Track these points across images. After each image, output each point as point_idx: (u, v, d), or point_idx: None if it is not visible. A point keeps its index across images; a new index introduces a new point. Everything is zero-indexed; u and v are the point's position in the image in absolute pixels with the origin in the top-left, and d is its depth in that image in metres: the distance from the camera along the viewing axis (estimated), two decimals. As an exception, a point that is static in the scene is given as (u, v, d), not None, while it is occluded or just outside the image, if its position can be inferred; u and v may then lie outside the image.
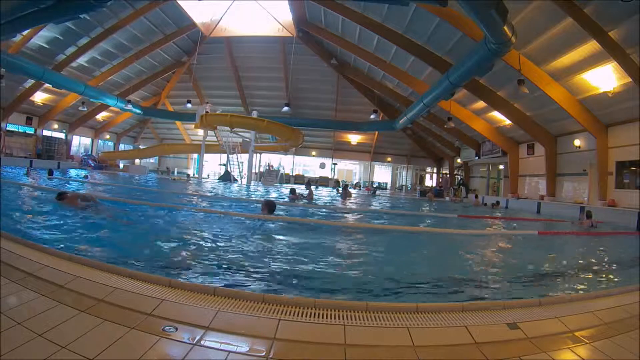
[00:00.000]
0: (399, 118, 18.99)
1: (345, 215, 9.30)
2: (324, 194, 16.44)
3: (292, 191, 11.34)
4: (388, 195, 22.07)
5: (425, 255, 5.01)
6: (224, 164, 23.78)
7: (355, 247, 5.09)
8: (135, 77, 22.38)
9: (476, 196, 17.68)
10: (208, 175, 27.40)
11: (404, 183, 29.54)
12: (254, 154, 23.06)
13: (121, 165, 26.78)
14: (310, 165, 32.14)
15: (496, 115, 15.45)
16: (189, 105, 21.76)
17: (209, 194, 12.87)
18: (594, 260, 5.25)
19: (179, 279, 2.77)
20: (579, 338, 2.04)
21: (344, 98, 23.30)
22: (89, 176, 15.68)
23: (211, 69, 23.13)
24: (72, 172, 18.26)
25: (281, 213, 7.45)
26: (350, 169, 34.46)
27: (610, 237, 7.85)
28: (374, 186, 26.59)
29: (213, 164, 29.78)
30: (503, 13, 7.10)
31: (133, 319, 1.87)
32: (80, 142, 27.47)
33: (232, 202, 10.59)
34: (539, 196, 14.71)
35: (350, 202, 13.39)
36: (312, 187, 14.91)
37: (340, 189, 16.42)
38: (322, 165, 28.44)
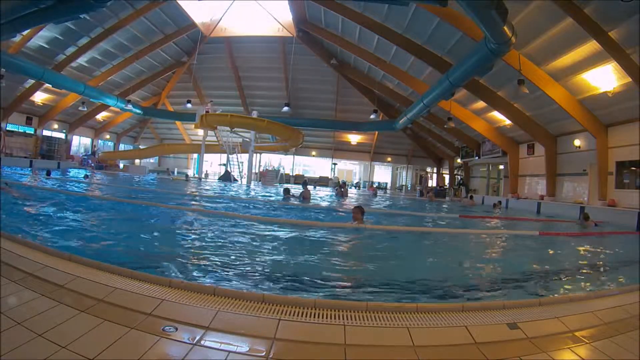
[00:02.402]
0: (399, 118, 18.98)
1: (343, 214, 9.29)
2: (323, 194, 16.41)
3: (286, 191, 11.31)
4: (388, 195, 22.05)
5: (425, 255, 5.01)
6: (224, 164, 23.77)
7: (353, 247, 5.09)
8: (135, 77, 22.36)
9: (471, 197, 17.62)
10: (206, 176, 27.36)
11: (404, 183, 29.52)
12: (254, 154, 23.05)
13: (121, 165, 26.78)
14: (310, 165, 32.15)
15: (496, 115, 15.44)
16: (189, 105, 21.76)
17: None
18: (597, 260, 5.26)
19: (179, 278, 2.77)
20: (579, 338, 2.04)
21: (344, 98, 23.28)
22: (89, 176, 15.69)
23: (211, 69, 23.12)
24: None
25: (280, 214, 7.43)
26: (350, 169, 34.44)
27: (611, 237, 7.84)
28: (376, 186, 26.42)
29: (214, 164, 29.75)
30: (503, 13, 7.09)
31: (133, 319, 1.87)
32: (80, 142, 27.49)
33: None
34: (539, 196, 14.70)
35: (348, 202, 13.37)
36: (310, 187, 14.87)
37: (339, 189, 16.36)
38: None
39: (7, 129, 19.95)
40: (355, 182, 31.88)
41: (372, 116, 20.11)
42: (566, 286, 3.78)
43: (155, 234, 5.00)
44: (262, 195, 13.46)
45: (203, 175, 24.33)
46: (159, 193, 12.20)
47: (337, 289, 3.13)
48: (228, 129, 19.36)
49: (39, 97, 19.71)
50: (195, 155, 31.15)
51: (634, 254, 5.58)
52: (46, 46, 16.31)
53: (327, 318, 2.04)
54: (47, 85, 17.17)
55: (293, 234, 5.42)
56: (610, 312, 2.45)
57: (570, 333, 2.09)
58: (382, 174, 32.59)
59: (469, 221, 9.79)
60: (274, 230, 5.59)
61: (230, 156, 22.70)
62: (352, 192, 21.23)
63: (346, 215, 9.15)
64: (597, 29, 8.28)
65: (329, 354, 1.72)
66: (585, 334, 2.09)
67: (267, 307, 2.13)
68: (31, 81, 17.49)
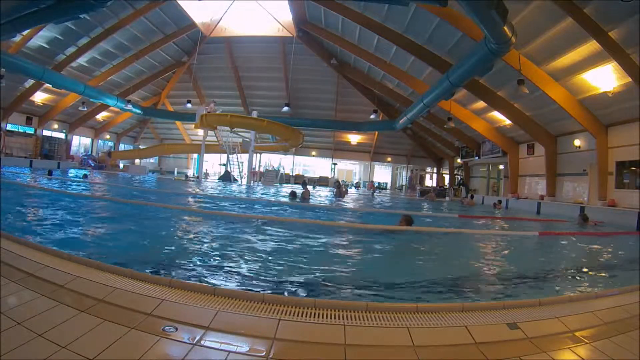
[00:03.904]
0: (399, 118, 18.99)
1: (342, 214, 9.29)
2: (323, 194, 16.40)
3: (293, 194, 11.40)
4: (387, 195, 22.04)
5: (425, 255, 5.01)
6: (224, 164, 23.77)
7: (353, 247, 5.08)
8: (135, 77, 22.37)
9: (472, 197, 17.63)
10: (206, 176, 27.34)
11: (403, 183, 29.53)
12: (254, 154, 23.05)
13: (121, 166, 26.77)
14: (310, 165, 32.15)
15: (496, 115, 15.44)
16: (189, 105, 21.78)
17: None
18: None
19: (179, 278, 2.76)
20: (579, 338, 2.04)
21: (344, 98, 23.29)
22: (88, 176, 15.67)
23: (211, 69, 23.13)
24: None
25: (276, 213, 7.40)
26: (350, 169, 34.46)
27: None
28: (376, 185, 26.38)
29: (214, 164, 29.72)
30: (503, 13, 7.10)
31: (133, 319, 1.87)
32: (80, 142, 27.49)
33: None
34: (539, 196, 14.70)
35: (347, 201, 13.37)
36: (310, 187, 14.89)
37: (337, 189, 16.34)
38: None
39: (7, 129, 19.96)
40: (355, 182, 31.85)
41: (372, 116, 20.12)
42: (566, 285, 3.78)
43: (155, 233, 5.00)
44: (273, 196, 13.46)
45: (203, 175, 24.34)
46: (158, 193, 12.20)
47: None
48: (228, 129, 19.37)
49: (39, 97, 19.71)
50: (195, 155, 31.15)
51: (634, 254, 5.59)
52: (46, 46, 16.31)
53: (327, 318, 2.04)
54: (47, 85, 17.19)
55: (296, 235, 5.42)
56: (610, 312, 2.45)
57: (570, 333, 2.09)
58: (382, 174, 32.61)
59: (469, 221, 9.79)
60: (278, 232, 5.59)
61: (230, 156, 22.71)
62: (352, 191, 21.25)
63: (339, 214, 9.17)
64: (597, 29, 8.28)
65: (329, 354, 1.72)
66: (585, 334, 2.09)
67: (267, 307, 2.13)
68: (31, 81, 17.50)
